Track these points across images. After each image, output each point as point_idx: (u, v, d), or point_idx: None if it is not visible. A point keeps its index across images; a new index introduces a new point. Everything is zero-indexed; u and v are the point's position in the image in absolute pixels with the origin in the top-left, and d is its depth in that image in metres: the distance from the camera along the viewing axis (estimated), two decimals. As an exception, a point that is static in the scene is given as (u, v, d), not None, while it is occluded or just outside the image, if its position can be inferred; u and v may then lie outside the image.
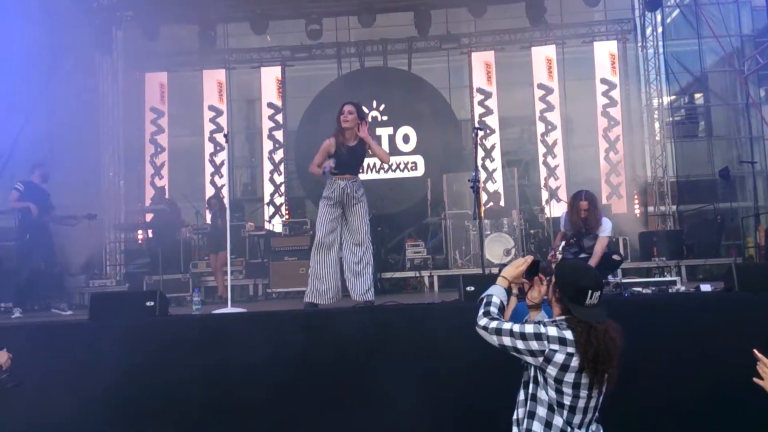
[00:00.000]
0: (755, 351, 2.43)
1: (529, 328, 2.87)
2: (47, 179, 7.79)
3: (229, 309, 5.88)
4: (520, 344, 2.87)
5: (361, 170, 6.03)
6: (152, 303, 5.28)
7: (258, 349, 4.83)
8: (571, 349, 2.81)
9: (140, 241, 11.26)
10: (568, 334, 2.82)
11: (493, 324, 2.93)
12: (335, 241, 5.90)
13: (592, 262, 6.21)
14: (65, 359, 4.75)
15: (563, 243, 6.45)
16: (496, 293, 3.06)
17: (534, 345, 2.84)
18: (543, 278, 3.14)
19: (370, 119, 12.59)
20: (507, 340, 2.89)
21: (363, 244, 5.88)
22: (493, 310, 3.00)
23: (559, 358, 2.81)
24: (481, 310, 3.01)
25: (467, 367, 4.57)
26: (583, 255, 6.51)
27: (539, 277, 3.15)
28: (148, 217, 11.28)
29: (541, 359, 2.85)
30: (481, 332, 2.97)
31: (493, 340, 2.93)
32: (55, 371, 4.67)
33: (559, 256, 6.33)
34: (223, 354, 4.86)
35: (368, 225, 5.99)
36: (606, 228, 6.44)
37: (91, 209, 8.02)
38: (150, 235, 10.78)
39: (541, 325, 2.88)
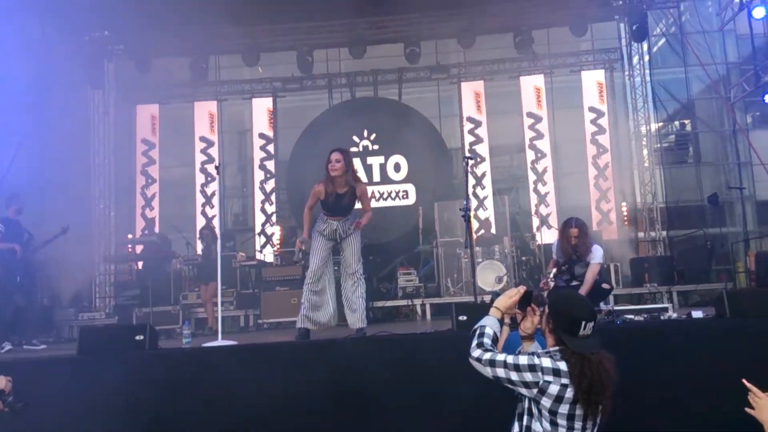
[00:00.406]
0: (744, 381, 2.40)
1: (523, 360, 2.86)
2: (22, 212, 7.78)
3: (220, 342, 5.82)
4: (514, 376, 2.85)
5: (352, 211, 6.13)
6: (142, 337, 5.23)
7: (249, 382, 4.79)
8: (565, 381, 2.79)
9: (130, 273, 11.20)
10: (562, 366, 2.81)
11: (487, 355, 2.92)
12: (328, 270, 6.08)
13: (583, 289, 6.22)
14: (52, 395, 4.68)
15: (554, 270, 6.44)
16: (489, 324, 3.06)
17: (528, 376, 2.83)
18: (536, 309, 3.14)
19: (361, 148, 12.69)
20: (501, 372, 2.88)
21: (356, 274, 6.04)
22: (487, 341, 2.99)
23: (554, 389, 2.80)
24: (475, 342, 3.00)
25: (461, 399, 4.53)
26: (574, 282, 6.52)
27: (532, 308, 3.14)
28: (139, 248, 11.25)
29: (535, 391, 2.83)
30: (475, 364, 2.96)
31: (487, 371, 2.92)
32: (41, 407, 4.59)
33: (551, 284, 6.32)
34: (214, 389, 4.81)
35: (361, 257, 6.14)
36: (597, 255, 6.47)
37: (81, 241, 7.99)
38: (140, 266, 10.72)
39: (535, 357, 2.87)
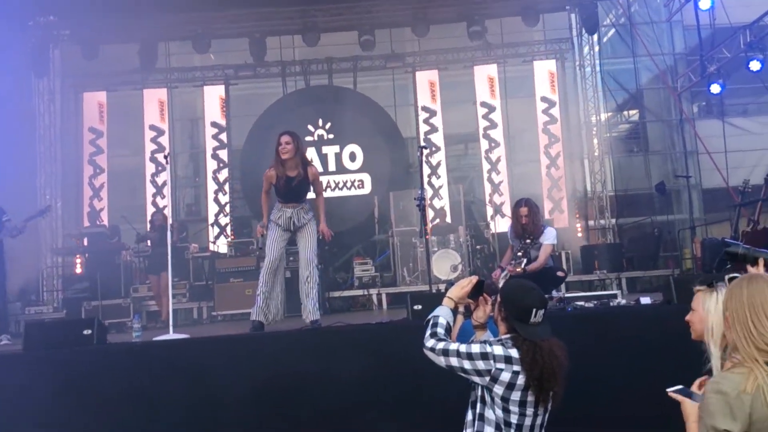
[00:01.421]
0: (669, 392, 2.43)
1: (475, 348, 2.88)
2: None
3: (171, 335, 5.72)
4: (467, 364, 2.87)
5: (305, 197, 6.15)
6: (90, 331, 5.10)
7: (200, 376, 4.72)
8: (516, 368, 2.83)
9: (79, 266, 10.90)
10: (514, 353, 2.85)
11: (440, 345, 2.94)
12: (283, 262, 6.15)
13: (535, 266, 6.26)
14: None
15: (506, 272, 6.36)
16: (443, 314, 3.07)
17: (480, 365, 2.85)
18: (488, 298, 3.17)
19: (316, 137, 12.61)
20: (454, 361, 2.90)
21: (311, 263, 6.00)
22: (440, 331, 3.00)
23: (506, 376, 2.83)
24: (428, 332, 3.02)
25: (415, 388, 4.56)
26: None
27: (484, 297, 3.18)
28: (87, 240, 10.94)
29: (487, 378, 2.86)
30: (429, 354, 2.98)
31: (441, 361, 2.94)
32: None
33: (502, 280, 6.27)
34: (164, 383, 4.72)
35: (316, 246, 6.12)
36: (549, 236, 6.48)
37: (27, 233, 7.75)
38: (88, 259, 10.44)
39: (487, 345, 2.90)
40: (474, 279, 3.16)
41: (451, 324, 3.09)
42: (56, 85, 12.58)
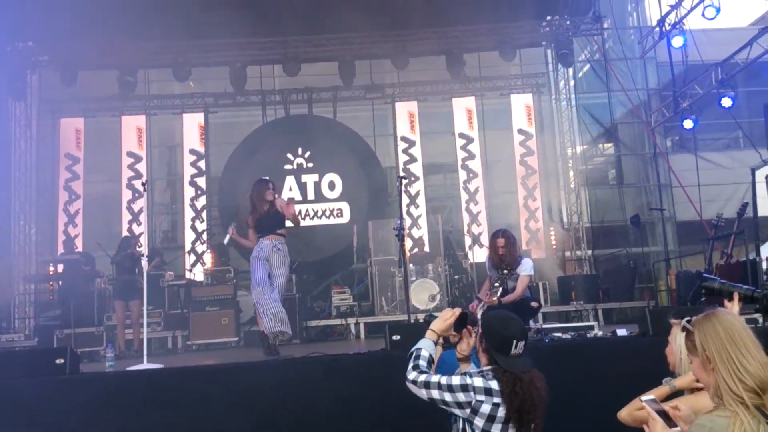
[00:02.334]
0: (642, 401, 2.34)
1: (455, 380, 2.87)
2: None
3: (145, 365, 5.63)
4: (447, 396, 2.86)
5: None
6: (62, 360, 5.00)
7: (174, 407, 4.64)
8: (497, 400, 2.81)
9: (51, 294, 10.70)
10: (494, 385, 2.83)
11: (422, 377, 2.92)
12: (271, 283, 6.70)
13: (510, 298, 6.28)
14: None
15: (482, 303, 6.33)
16: (425, 347, 3.07)
17: (461, 397, 2.84)
18: (472, 330, 3.16)
19: (295, 166, 12.63)
20: (435, 393, 2.88)
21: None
22: (422, 363, 2.99)
23: (486, 408, 2.81)
24: (411, 364, 3.01)
25: (395, 420, 4.52)
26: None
27: (468, 329, 3.16)
28: (60, 267, 10.76)
29: (468, 411, 2.84)
30: (411, 386, 2.96)
31: (422, 393, 2.92)
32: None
33: (480, 311, 6.25)
34: (138, 415, 4.63)
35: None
36: (526, 267, 6.55)
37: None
38: (61, 286, 10.26)
39: (467, 376, 2.88)
40: (457, 311, 3.15)
41: (434, 356, 3.08)
42: (33, 111, 12.49)
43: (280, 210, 6.84)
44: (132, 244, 9.01)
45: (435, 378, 2.91)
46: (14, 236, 11.63)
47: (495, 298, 6.00)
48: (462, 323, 3.14)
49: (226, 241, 7.30)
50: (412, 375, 2.96)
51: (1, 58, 11.35)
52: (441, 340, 3.24)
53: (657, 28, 11.88)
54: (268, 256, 6.70)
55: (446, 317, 3.14)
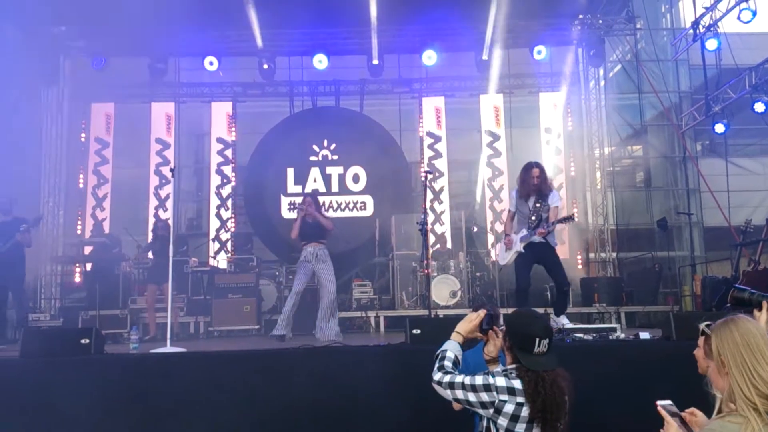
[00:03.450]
0: (659, 406, 2.33)
1: (478, 380, 2.84)
2: (8, 212, 7.94)
3: (169, 348, 5.70)
4: (471, 397, 2.83)
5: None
6: (87, 340, 5.09)
7: (196, 391, 4.69)
8: (520, 399, 2.78)
9: (78, 275, 10.87)
10: (517, 384, 2.80)
11: (447, 378, 2.91)
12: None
13: (553, 228, 6.69)
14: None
15: (526, 236, 6.75)
16: (451, 348, 3.05)
17: (484, 396, 2.81)
18: (498, 331, 3.11)
19: (320, 158, 12.68)
20: (459, 394, 2.86)
21: (332, 294, 7.70)
22: (448, 364, 2.98)
23: (509, 408, 2.78)
24: (436, 365, 2.99)
25: (415, 413, 4.53)
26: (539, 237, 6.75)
27: (494, 330, 3.12)
28: (87, 249, 10.93)
29: (491, 410, 2.81)
30: (436, 387, 2.95)
31: (447, 394, 2.91)
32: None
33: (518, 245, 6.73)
34: (159, 396, 4.70)
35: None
36: (556, 197, 6.88)
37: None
38: (88, 268, 10.42)
39: (490, 376, 2.86)
40: (482, 312, 3.14)
41: (459, 358, 3.06)
42: (64, 95, 12.66)
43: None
44: (165, 228, 9.15)
45: (459, 378, 2.89)
46: (44, 219, 11.81)
47: (544, 230, 6.61)
48: (488, 324, 3.12)
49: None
50: (437, 376, 2.94)
51: (35, 42, 11.51)
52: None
53: (691, 30, 11.68)
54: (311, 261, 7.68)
55: (471, 318, 3.12)
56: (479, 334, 3.14)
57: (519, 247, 6.84)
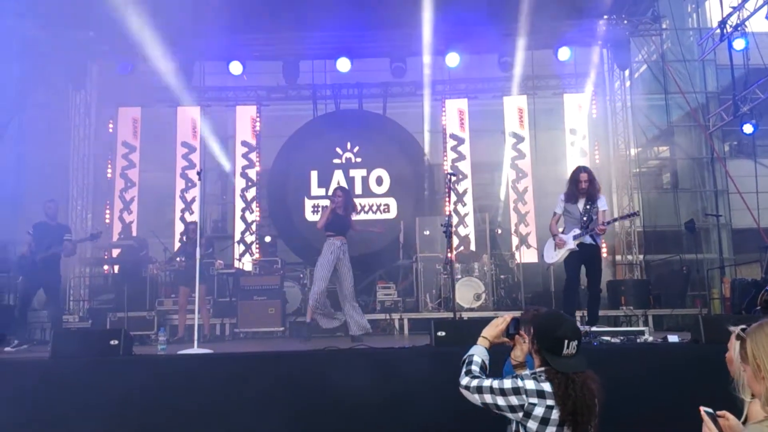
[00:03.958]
0: (702, 410, 2.31)
1: (507, 383, 2.81)
2: (54, 217, 8.07)
3: (196, 350, 5.76)
4: (500, 400, 2.80)
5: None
6: (116, 342, 5.16)
7: (224, 392, 4.73)
8: (550, 402, 2.74)
9: (106, 277, 11.03)
10: (547, 387, 2.76)
11: (474, 382, 2.88)
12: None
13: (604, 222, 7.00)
14: (24, 397, 4.59)
15: (581, 234, 6.93)
16: (478, 353, 3.03)
17: (513, 400, 2.78)
18: (525, 336, 3.07)
19: (344, 160, 12.73)
20: (488, 398, 2.83)
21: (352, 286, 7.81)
22: (475, 369, 2.95)
23: (539, 411, 2.75)
24: (463, 370, 2.97)
25: (440, 414, 4.52)
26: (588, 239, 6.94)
27: (521, 335, 3.09)
28: (115, 252, 11.09)
29: (520, 414, 2.78)
30: (464, 392, 2.92)
31: (476, 398, 2.87)
32: (13, 409, 4.50)
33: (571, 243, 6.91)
34: (188, 397, 4.75)
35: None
36: (603, 201, 7.14)
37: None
38: (116, 270, 10.56)
39: (519, 379, 2.82)
40: (508, 317, 3.11)
41: (487, 363, 3.03)
42: (92, 99, 12.88)
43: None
44: (196, 231, 9.22)
45: (487, 382, 2.86)
46: (71, 221, 12.01)
47: (605, 226, 6.97)
48: (514, 329, 3.09)
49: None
50: (464, 381, 2.92)
51: (63, 47, 11.71)
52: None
53: (718, 30, 11.52)
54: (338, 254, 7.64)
55: (497, 323, 3.10)
56: (506, 339, 3.10)
57: (573, 245, 6.97)
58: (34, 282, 7.86)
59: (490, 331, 3.09)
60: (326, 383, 4.88)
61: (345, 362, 5.16)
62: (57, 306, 8.16)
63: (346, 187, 8.85)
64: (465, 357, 3.04)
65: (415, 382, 4.75)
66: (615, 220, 7.06)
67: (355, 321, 7.69)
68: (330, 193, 11.87)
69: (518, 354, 3.12)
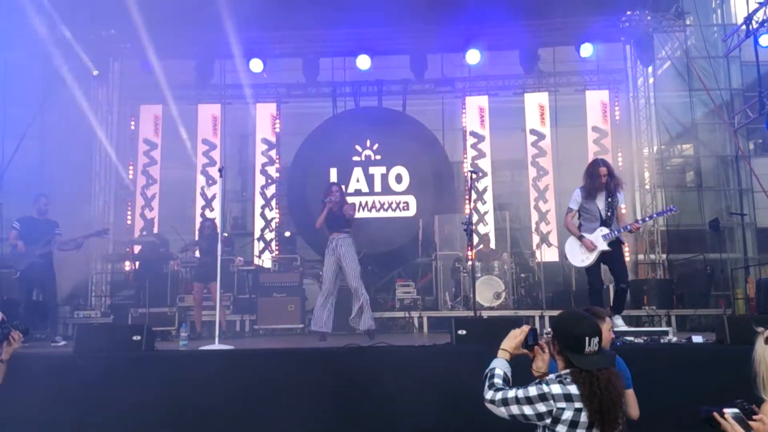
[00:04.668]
0: (726, 412, 2.28)
1: (532, 391, 2.75)
2: (44, 212, 8.02)
3: (217, 346, 5.78)
4: (527, 410, 2.74)
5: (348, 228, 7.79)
6: (139, 337, 5.20)
7: (246, 387, 4.75)
8: (579, 405, 2.69)
9: (127, 273, 11.12)
10: (574, 389, 2.71)
11: (499, 395, 2.81)
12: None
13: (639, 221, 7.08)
14: (48, 392, 4.63)
15: (615, 232, 6.67)
16: (499, 366, 2.97)
17: (541, 407, 2.72)
18: (544, 347, 3.01)
19: (363, 158, 12.71)
20: (515, 409, 2.77)
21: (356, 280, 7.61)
22: (498, 381, 2.89)
23: (568, 415, 2.69)
24: (486, 383, 2.91)
25: (462, 413, 4.49)
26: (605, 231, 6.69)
27: (540, 345, 3.02)
28: (137, 248, 11.18)
29: (548, 420, 2.72)
30: (490, 406, 2.85)
31: (502, 411, 2.81)
32: (36, 403, 4.55)
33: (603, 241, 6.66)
34: (209, 392, 4.77)
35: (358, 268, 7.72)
36: (622, 198, 6.86)
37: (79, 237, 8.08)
38: (137, 266, 10.65)
39: (544, 384, 2.76)
40: (526, 328, 3.05)
41: (509, 375, 2.96)
42: (114, 97, 13.00)
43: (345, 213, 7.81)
44: (212, 227, 9.27)
45: (511, 393, 2.79)
46: (93, 217, 12.13)
47: (639, 225, 6.93)
48: (533, 340, 3.02)
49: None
50: (489, 394, 2.85)
51: (86, 45, 11.83)
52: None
53: (743, 26, 11.34)
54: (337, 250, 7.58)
55: (515, 335, 3.03)
56: (525, 351, 3.03)
57: (604, 246, 6.63)
58: (33, 277, 7.85)
59: (509, 343, 3.03)
60: (347, 380, 4.88)
61: (365, 360, 5.14)
62: (54, 302, 8.21)
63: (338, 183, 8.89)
64: (486, 371, 2.98)
65: (436, 380, 4.73)
66: (651, 217, 6.75)
67: (362, 319, 7.68)
68: (349, 190, 11.94)
69: (540, 365, 3.02)
